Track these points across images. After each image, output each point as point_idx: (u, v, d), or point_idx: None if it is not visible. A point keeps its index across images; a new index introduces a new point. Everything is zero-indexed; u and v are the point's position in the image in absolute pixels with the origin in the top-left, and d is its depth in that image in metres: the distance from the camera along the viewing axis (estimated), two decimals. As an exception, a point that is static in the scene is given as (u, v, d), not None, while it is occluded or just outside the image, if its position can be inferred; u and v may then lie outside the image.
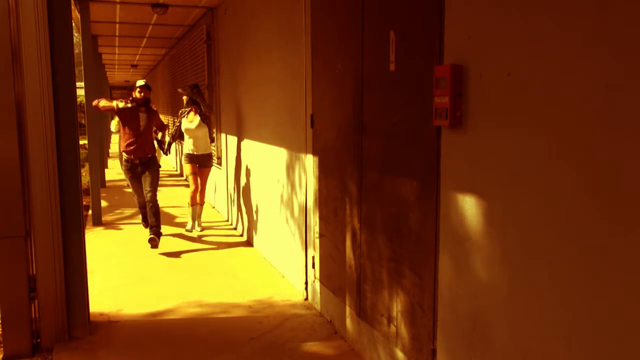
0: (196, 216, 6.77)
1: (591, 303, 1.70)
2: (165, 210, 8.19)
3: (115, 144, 5.93)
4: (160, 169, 6.42)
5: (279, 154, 5.07)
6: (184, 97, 6.74)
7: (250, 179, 6.25)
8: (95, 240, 6.48)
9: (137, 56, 14.04)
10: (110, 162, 13.78)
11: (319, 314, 4.10)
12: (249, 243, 6.37)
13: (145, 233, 6.17)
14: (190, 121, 6.65)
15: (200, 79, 8.73)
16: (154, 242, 5.84)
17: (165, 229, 6.91)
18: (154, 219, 5.92)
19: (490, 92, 2.12)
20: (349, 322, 3.56)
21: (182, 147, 8.02)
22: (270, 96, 5.26)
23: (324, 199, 3.92)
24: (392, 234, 2.92)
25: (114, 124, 9.04)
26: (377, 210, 3.09)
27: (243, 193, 6.64)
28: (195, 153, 6.69)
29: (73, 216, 3.56)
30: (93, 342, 3.62)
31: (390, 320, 2.98)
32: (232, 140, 7.01)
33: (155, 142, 6.43)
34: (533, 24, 1.89)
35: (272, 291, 4.65)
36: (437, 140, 2.47)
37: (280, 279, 5.00)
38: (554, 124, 1.82)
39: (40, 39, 3.33)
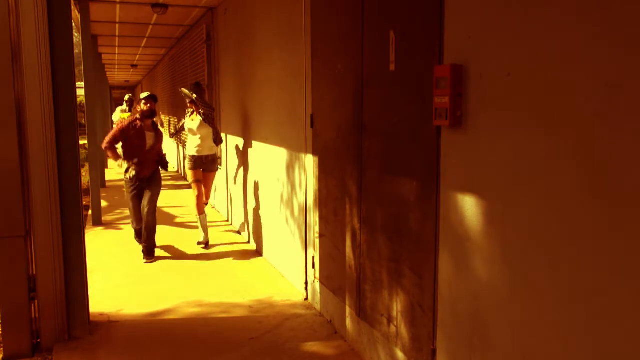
0: (206, 226, 6.37)
1: (591, 303, 1.70)
2: (165, 210, 8.19)
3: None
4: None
5: (279, 154, 5.07)
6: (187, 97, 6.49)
7: (251, 178, 6.25)
8: (95, 240, 6.48)
9: (137, 56, 14.04)
10: (110, 162, 13.78)
11: (319, 314, 4.10)
12: (249, 243, 6.37)
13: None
14: (192, 120, 6.37)
15: (200, 79, 8.73)
16: (148, 258, 5.63)
17: (165, 228, 6.91)
18: (147, 234, 5.64)
19: (490, 92, 2.12)
20: (349, 322, 3.56)
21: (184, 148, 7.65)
22: (271, 96, 5.26)
23: (324, 199, 3.92)
24: (392, 234, 2.92)
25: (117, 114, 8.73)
26: (377, 210, 3.09)
27: (243, 193, 6.64)
28: (199, 154, 6.28)
29: (73, 216, 3.56)
30: (93, 342, 3.62)
31: (390, 320, 2.98)
32: (232, 140, 7.01)
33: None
34: (533, 24, 1.89)
35: (272, 291, 4.65)
36: (437, 140, 2.47)
37: (280, 279, 5.00)
38: (554, 124, 1.81)
39: (40, 39, 3.33)
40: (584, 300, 1.72)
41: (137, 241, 5.96)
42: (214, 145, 6.37)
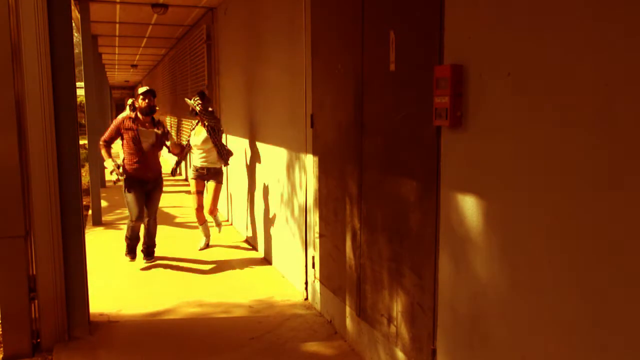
0: (208, 234, 6.22)
1: (591, 303, 1.70)
2: (165, 210, 8.19)
3: (116, 144, 5.26)
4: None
5: (279, 154, 5.07)
6: (191, 108, 5.94)
7: (250, 178, 6.25)
8: (95, 240, 6.48)
9: (137, 56, 14.05)
10: (110, 161, 13.76)
11: (319, 314, 4.10)
12: (249, 243, 6.36)
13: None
14: (197, 134, 5.95)
15: (200, 79, 8.73)
16: (148, 259, 5.47)
17: (165, 228, 6.91)
18: (149, 237, 5.47)
19: (490, 92, 2.12)
20: (349, 322, 3.56)
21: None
22: (271, 96, 5.26)
23: (324, 199, 3.92)
24: (392, 234, 2.92)
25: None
26: (377, 210, 3.09)
27: (243, 193, 6.63)
28: (203, 166, 5.92)
29: (73, 216, 3.56)
30: (93, 342, 3.62)
31: (390, 320, 2.98)
32: (232, 140, 7.01)
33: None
34: (533, 24, 1.89)
35: (272, 291, 4.65)
36: (437, 140, 2.47)
37: (280, 279, 5.00)
38: (554, 124, 1.81)
39: (40, 39, 3.33)
40: (584, 300, 1.72)
41: (129, 256, 5.48)
42: (219, 159, 5.90)
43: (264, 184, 5.65)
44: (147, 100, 5.31)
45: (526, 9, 1.92)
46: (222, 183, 6.03)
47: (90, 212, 7.50)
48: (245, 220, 6.60)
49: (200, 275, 5.13)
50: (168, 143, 5.52)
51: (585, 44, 1.69)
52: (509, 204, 2.04)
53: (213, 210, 6.03)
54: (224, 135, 6.68)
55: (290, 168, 4.73)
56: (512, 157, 2.01)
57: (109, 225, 7.39)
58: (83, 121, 8.16)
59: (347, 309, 3.56)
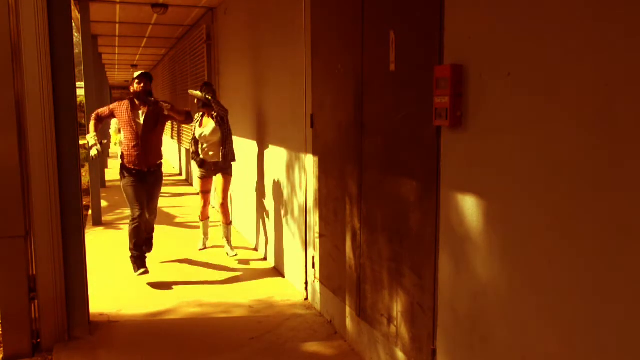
0: (207, 232, 6.00)
1: (591, 303, 1.70)
2: (165, 210, 8.19)
3: (116, 144, 5.02)
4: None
5: (279, 154, 5.07)
6: (196, 99, 5.63)
7: (250, 178, 6.25)
8: (95, 240, 6.47)
9: (137, 56, 14.04)
10: (110, 162, 13.78)
11: (319, 314, 4.10)
12: (249, 243, 6.36)
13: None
14: (204, 126, 5.59)
15: (200, 79, 8.73)
16: (145, 269, 4.84)
17: (164, 228, 6.91)
18: (146, 239, 5.04)
19: (490, 92, 2.12)
20: (349, 322, 3.56)
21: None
22: (271, 96, 5.26)
23: (324, 199, 3.92)
24: (392, 234, 2.92)
25: (114, 133, 7.96)
26: (377, 210, 3.09)
27: (243, 193, 6.63)
28: (211, 160, 5.59)
29: (73, 216, 3.56)
30: (93, 342, 3.62)
31: (390, 320, 2.98)
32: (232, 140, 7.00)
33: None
34: (533, 24, 1.89)
35: (272, 291, 4.65)
36: (437, 140, 2.47)
37: (280, 279, 5.00)
38: (554, 124, 1.81)
39: (40, 39, 3.33)
40: (584, 300, 1.72)
41: (138, 267, 4.83)
42: (222, 153, 5.59)
43: (264, 184, 5.65)
44: (142, 84, 4.83)
45: (526, 9, 1.92)
46: (231, 175, 5.68)
47: (90, 212, 7.50)
48: (245, 220, 6.60)
49: (200, 275, 5.13)
50: (166, 113, 4.96)
51: (585, 44, 1.69)
52: (509, 203, 2.04)
53: (225, 204, 5.68)
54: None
55: (290, 168, 4.73)
56: (512, 157, 2.01)
57: (109, 225, 7.39)
58: (83, 121, 8.16)
59: (347, 309, 3.56)
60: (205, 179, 5.71)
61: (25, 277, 3.45)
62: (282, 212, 5.02)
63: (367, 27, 3.13)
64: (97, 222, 7.36)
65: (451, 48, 2.35)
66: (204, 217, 5.94)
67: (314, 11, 3.99)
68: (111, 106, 4.96)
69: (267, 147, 5.46)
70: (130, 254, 4.84)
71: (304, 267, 4.43)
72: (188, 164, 11.14)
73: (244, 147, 6.45)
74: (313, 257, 4.20)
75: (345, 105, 3.45)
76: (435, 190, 2.51)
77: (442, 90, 2.32)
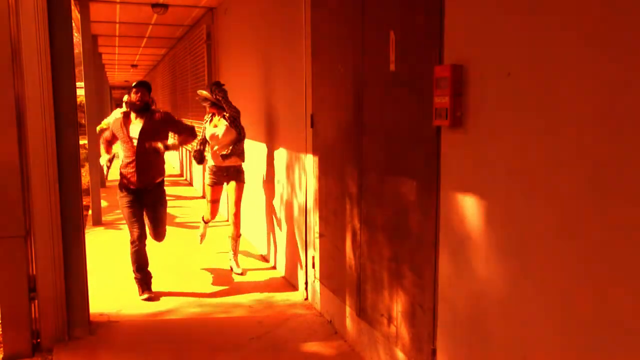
0: (204, 234, 5.62)
1: (591, 303, 1.70)
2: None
3: (116, 144, 4.69)
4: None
5: (279, 154, 5.07)
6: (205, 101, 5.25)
7: (250, 177, 6.25)
8: (95, 240, 6.48)
9: (137, 56, 14.05)
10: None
11: (319, 314, 4.10)
12: (249, 243, 6.36)
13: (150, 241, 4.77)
14: (215, 126, 5.18)
15: (200, 79, 8.73)
16: (150, 292, 4.48)
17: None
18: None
19: (490, 92, 2.12)
20: (349, 322, 3.56)
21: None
22: (271, 96, 5.26)
23: (324, 199, 3.92)
24: (392, 234, 2.92)
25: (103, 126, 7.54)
26: (377, 210, 3.09)
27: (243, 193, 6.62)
28: (222, 165, 5.19)
29: (73, 216, 3.56)
30: (93, 342, 3.62)
31: (390, 320, 2.98)
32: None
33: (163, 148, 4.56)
34: (533, 24, 1.89)
35: (272, 291, 4.65)
36: (437, 140, 2.47)
37: (280, 279, 5.00)
38: (554, 124, 1.81)
39: (40, 39, 3.33)
40: (584, 300, 1.72)
41: (144, 292, 4.48)
42: (241, 154, 5.23)
43: (264, 183, 5.64)
44: (139, 94, 4.42)
45: (526, 9, 1.92)
46: (244, 182, 5.31)
47: (90, 212, 7.50)
48: (244, 220, 6.59)
49: (201, 274, 5.13)
50: (170, 142, 4.64)
51: (585, 44, 1.69)
52: (509, 203, 2.04)
53: (237, 214, 5.25)
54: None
55: (290, 168, 4.73)
56: (512, 157, 2.01)
57: (109, 225, 7.39)
58: (83, 121, 8.16)
59: (347, 309, 3.56)
60: (216, 185, 5.29)
61: (25, 277, 3.45)
62: (282, 212, 5.02)
63: (367, 27, 3.13)
64: (97, 222, 7.36)
65: (451, 48, 2.35)
66: (208, 220, 5.56)
67: (314, 11, 3.99)
68: (111, 126, 4.61)
69: (267, 146, 5.45)
70: (134, 275, 4.56)
71: (304, 267, 4.43)
72: (190, 164, 11.13)
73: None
74: (313, 257, 4.20)
75: (345, 105, 3.45)
76: (435, 190, 2.51)
77: (442, 90, 2.32)
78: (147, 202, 4.51)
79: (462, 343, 2.36)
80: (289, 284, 4.84)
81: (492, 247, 2.14)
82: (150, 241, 4.64)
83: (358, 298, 3.38)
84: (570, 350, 1.79)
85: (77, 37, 8.87)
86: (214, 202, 5.37)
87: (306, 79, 4.16)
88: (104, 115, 12.69)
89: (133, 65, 16.28)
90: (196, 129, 4.99)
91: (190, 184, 11.29)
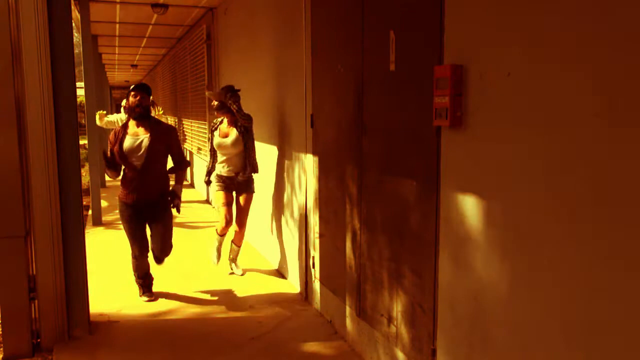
0: (220, 249, 5.12)
1: (592, 303, 1.70)
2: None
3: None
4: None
5: (279, 154, 5.07)
6: (214, 102, 4.95)
7: (250, 179, 6.24)
8: (95, 240, 6.48)
9: (137, 56, 14.04)
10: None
11: (319, 314, 4.10)
12: (249, 243, 6.36)
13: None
14: (224, 135, 4.89)
15: (200, 79, 8.73)
16: (149, 296, 4.35)
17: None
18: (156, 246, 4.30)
19: (490, 92, 2.12)
20: (349, 322, 3.56)
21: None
22: (271, 96, 5.26)
23: (324, 199, 3.92)
24: (392, 234, 2.92)
25: (99, 117, 7.42)
26: (377, 210, 3.09)
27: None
28: (229, 175, 4.93)
29: (73, 216, 3.56)
30: (93, 342, 3.62)
31: (390, 320, 2.98)
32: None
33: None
34: (533, 24, 1.89)
35: (272, 291, 4.65)
36: (437, 140, 2.47)
37: (280, 279, 5.00)
38: (554, 124, 1.81)
39: (40, 39, 3.33)
40: (585, 300, 1.72)
41: (144, 294, 4.41)
42: (246, 166, 4.93)
43: (264, 184, 5.64)
44: (138, 97, 4.05)
45: (526, 9, 1.92)
46: (254, 192, 5.04)
47: (90, 212, 7.50)
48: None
49: (201, 274, 5.13)
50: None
51: (585, 44, 1.69)
52: (509, 204, 2.04)
53: (242, 225, 5.02)
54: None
55: (290, 168, 4.73)
56: (512, 157, 2.01)
57: (109, 225, 7.39)
58: (83, 121, 8.16)
59: (347, 309, 3.56)
60: (225, 191, 4.98)
61: (25, 277, 3.45)
62: (282, 212, 5.02)
63: (367, 27, 3.13)
64: (97, 222, 7.36)
65: (451, 48, 2.35)
66: (223, 231, 5.05)
67: (314, 11, 3.99)
68: (110, 138, 4.19)
69: (267, 146, 5.45)
70: (134, 278, 4.46)
71: (304, 267, 4.43)
72: (192, 165, 11.11)
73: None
74: (313, 257, 4.20)
75: (345, 105, 3.45)
76: (435, 190, 2.51)
77: (442, 90, 2.32)
78: (149, 215, 4.16)
79: (462, 343, 2.36)
80: (289, 284, 4.84)
81: (492, 247, 2.14)
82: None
83: (358, 298, 3.38)
84: (570, 351, 1.79)
85: (77, 37, 8.88)
86: (227, 206, 4.96)
87: (306, 79, 4.16)
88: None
89: (133, 65, 16.28)
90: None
91: (192, 186, 11.28)
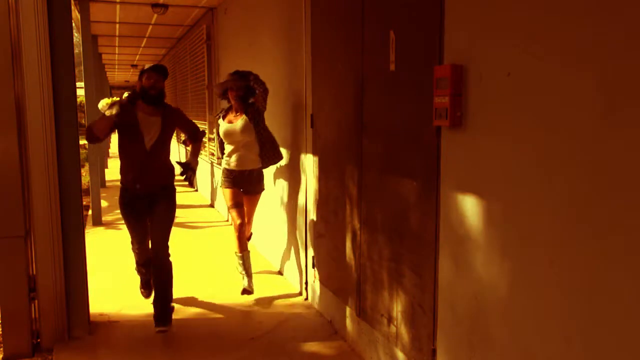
0: (249, 268, 4.45)
1: (592, 303, 1.70)
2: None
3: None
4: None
5: (279, 154, 5.07)
6: (217, 91, 4.57)
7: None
8: (95, 240, 6.47)
9: (137, 56, 14.04)
10: (110, 162, 13.78)
11: (319, 314, 4.10)
12: (249, 243, 6.36)
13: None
14: (230, 121, 4.37)
15: (200, 79, 8.73)
16: (164, 327, 3.65)
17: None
18: (160, 288, 3.72)
19: (490, 92, 2.12)
20: (349, 322, 3.56)
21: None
22: (271, 96, 5.25)
23: (324, 199, 3.92)
24: (392, 234, 2.92)
25: (103, 103, 7.02)
26: (377, 210, 3.09)
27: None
28: (238, 169, 4.41)
29: (73, 216, 3.56)
30: (93, 342, 3.62)
31: (390, 320, 2.98)
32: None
33: (176, 163, 3.94)
34: (533, 24, 1.89)
35: (272, 291, 4.65)
36: (437, 140, 2.47)
37: (280, 279, 5.00)
38: (554, 124, 1.81)
39: (40, 39, 3.33)
40: (585, 300, 1.72)
41: (143, 293, 4.25)
42: (260, 158, 4.44)
43: (264, 184, 5.63)
44: (152, 80, 3.62)
45: (526, 9, 1.92)
46: (264, 189, 4.59)
47: (90, 212, 7.50)
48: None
49: (201, 274, 5.13)
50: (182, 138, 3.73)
51: (585, 44, 1.69)
52: (509, 203, 2.04)
53: (249, 223, 4.62)
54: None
55: (290, 168, 4.73)
56: (512, 157, 2.01)
57: (109, 225, 7.39)
58: (83, 121, 8.16)
59: (347, 309, 3.56)
60: (233, 189, 4.43)
61: (25, 277, 3.45)
62: (282, 212, 5.02)
63: (367, 27, 3.13)
64: (97, 222, 7.36)
65: (451, 48, 2.35)
66: (243, 247, 4.44)
67: (314, 11, 3.99)
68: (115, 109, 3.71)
69: (267, 147, 5.45)
70: (135, 267, 4.25)
71: (304, 267, 4.43)
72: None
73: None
74: (313, 257, 4.20)
75: (345, 105, 3.45)
76: (435, 190, 2.51)
77: (442, 90, 2.32)
78: (148, 206, 3.75)
79: (462, 343, 2.36)
80: (289, 284, 4.84)
81: (492, 247, 2.14)
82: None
83: (358, 298, 3.38)
84: (570, 351, 1.79)
85: (77, 37, 8.88)
86: (237, 207, 4.38)
87: (306, 79, 4.16)
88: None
89: (133, 65, 16.28)
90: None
91: (195, 189, 11.25)
